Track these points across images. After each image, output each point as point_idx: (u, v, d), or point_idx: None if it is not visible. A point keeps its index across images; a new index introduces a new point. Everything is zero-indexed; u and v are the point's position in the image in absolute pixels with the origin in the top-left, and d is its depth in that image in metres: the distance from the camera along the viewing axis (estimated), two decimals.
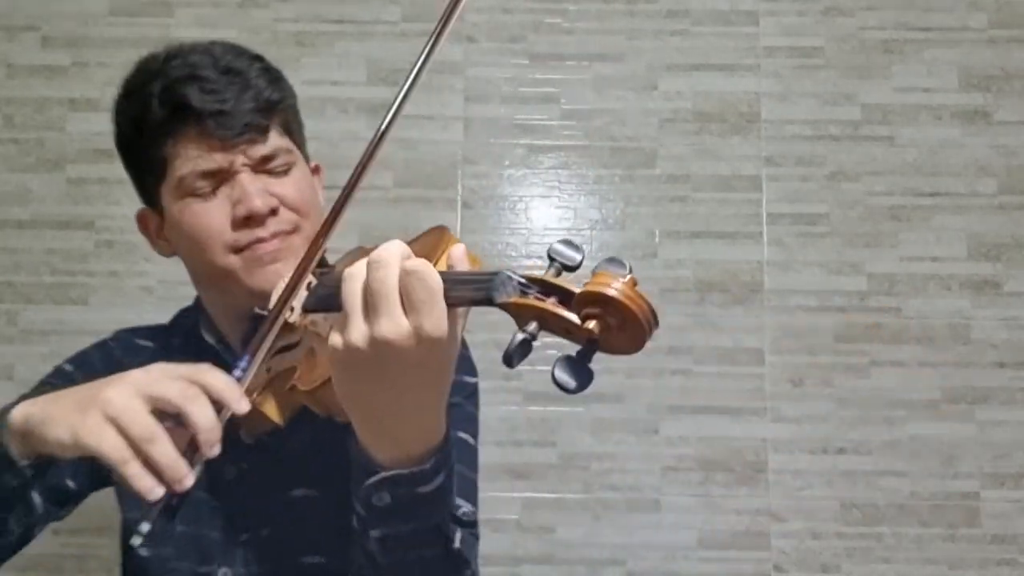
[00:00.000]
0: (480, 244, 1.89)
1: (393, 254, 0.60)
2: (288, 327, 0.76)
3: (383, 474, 0.66)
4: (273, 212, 0.89)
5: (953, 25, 1.95)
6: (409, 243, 0.66)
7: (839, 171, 1.91)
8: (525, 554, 1.78)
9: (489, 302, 0.60)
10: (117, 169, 1.90)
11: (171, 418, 0.64)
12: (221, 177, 0.88)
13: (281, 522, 0.90)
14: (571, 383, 0.57)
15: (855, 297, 1.88)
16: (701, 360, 1.85)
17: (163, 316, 1.90)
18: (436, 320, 0.59)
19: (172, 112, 0.86)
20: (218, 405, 0.66)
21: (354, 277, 0.61)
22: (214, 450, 0.65)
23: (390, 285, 0.59)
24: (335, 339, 0.61)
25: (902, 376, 1.85)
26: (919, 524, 1.81)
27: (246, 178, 0.88)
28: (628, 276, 0.62)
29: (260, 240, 0.88)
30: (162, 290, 1.88)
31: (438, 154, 1.91)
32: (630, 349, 0.60)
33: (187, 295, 1.92)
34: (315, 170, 1.04)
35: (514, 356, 0.57)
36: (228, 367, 0.74)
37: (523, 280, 0.63)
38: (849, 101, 1.93)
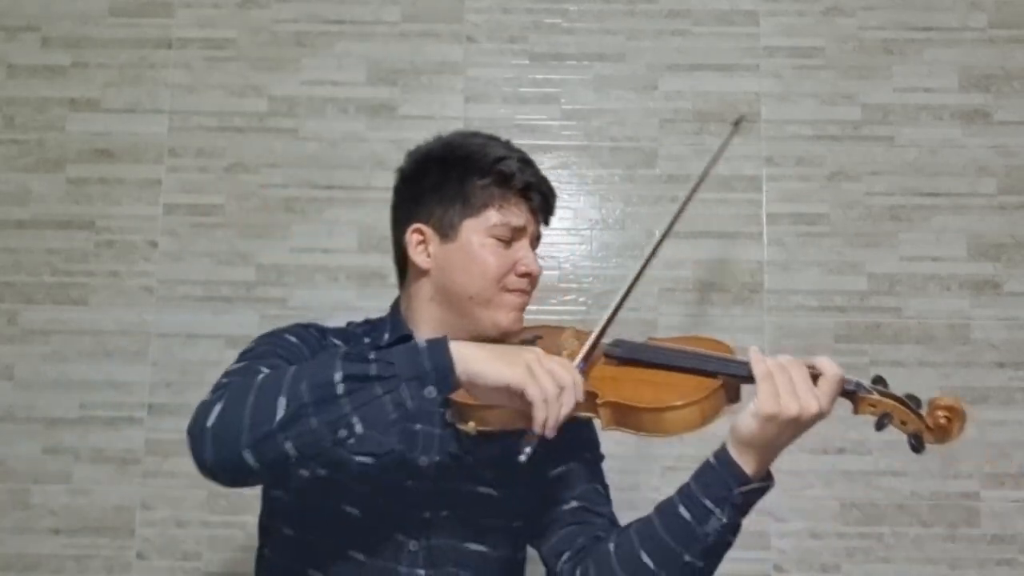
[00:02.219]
0: None
1: (800, 363, 1.01)
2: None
3: (756, 484, 1.03)
4: (536, 278, 1.20)
5: (953, 25, 1.95)
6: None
7: (839, 171, 1.91)
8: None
9: (850, 396, 1.04)
10: (117, 169, 1.92)
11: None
12: (518, 234, 1.17)
13: (461, 510, 1.11)
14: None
15: (855, 297, 1.88)
16: None
17: (163, 316, 1.91)
18: (831, 405, 1.01)
19: (524, 184, 1.17)
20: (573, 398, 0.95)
21: (785, 370, 1.00)
22: (554, 432, 0.94)
23: (807, 381, 1.00)
24: (772, 405, 0.97)
25: (902, 376, 1.85)
26: (919, 524, 1.81)
27: (528, 245, 1.19)
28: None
29: (523, 291, 1.18)
30: (162, 290, 1.88)
31: None
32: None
33: (187, 295, 1.93)
34: None
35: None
36: None
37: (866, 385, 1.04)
38: (849, 101, 1.93)
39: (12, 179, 1.91)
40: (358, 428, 0.90)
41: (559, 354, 1.07)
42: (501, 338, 1.15)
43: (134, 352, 1.86)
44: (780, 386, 0.97)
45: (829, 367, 1.00)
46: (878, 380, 1.04)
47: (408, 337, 1.16)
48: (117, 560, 1.80)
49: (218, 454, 0.91)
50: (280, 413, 0.89)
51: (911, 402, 1.01)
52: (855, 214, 1.90)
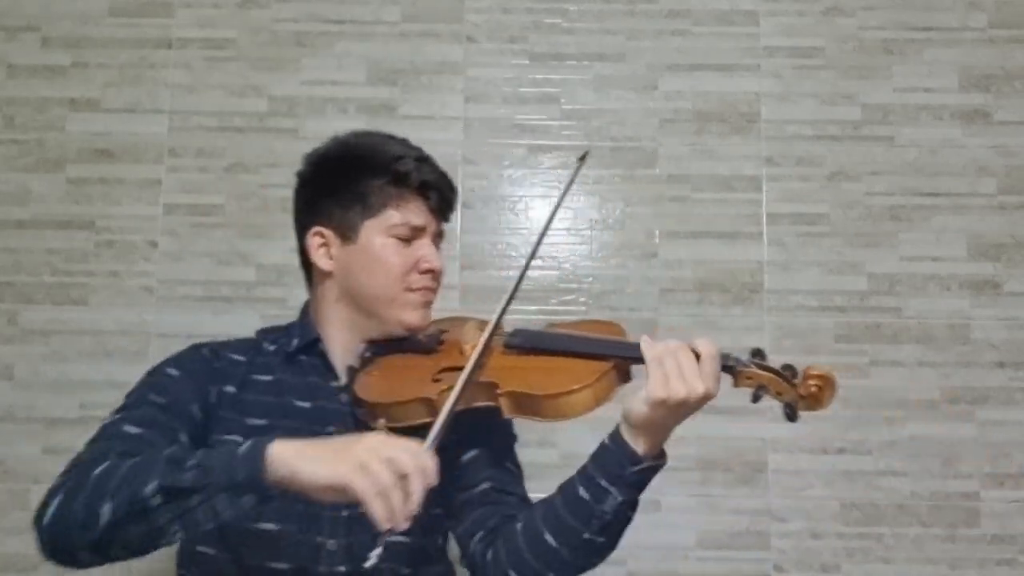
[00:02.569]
0: (480, 244, 1.90)
1: (686, 347, 1.02)
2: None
3: (648, 463, 1.04)
4: (439, 274, 1.22)
5: (953, 25, 1.95)
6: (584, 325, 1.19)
7: (839, 171, 1.91)
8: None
9: (729, 370, 1.06)
10: (117, 169, 1.92)
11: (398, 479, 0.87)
12: (418, 232, 1.19)
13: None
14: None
15: (855, 297, 1.88)
16: None
17: (163, 316, 1.91)
18: (716, 384, 1.03)
19: (420, 182, 1.19)
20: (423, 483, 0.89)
21: (672, 355, 1.02)
22: (406, 523, 0.88)
23: (692, 365, 1.01)
24: (661, 390, 1.00)
25: (902, 376, 1.85)
26: (919, 524, 1.81)
27: (430, 243, 1.21)
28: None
29: (427, 288, 1.20)
30: (162, 290, 1.88)
31: (438, 154, 1.87)
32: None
33: (187, 295, 1.93)
34: None
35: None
36: (330, 385, 1.16)
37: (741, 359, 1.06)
38: (849, 101, 1.93)
39: (12, 179, 1.91)
40: (179, 536, 0.92)
41: (463, 346, 1.15)
42: (409, 334, 1.19)
43: (134, 352, 1.86)
44: (669, 371, 1.00)
45: (706, 347, 1.02)
46: (756, 353, 1.06)
47: (316, 340, 1.19)
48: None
49: (55, 555, 0.94)
50: (104, 519, 0.90)
51: (786, 372, 1.04)
52: (855, 214, 1.90)
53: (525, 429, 1.28)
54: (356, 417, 1.12)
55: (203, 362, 1.15)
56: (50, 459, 1.82)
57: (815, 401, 1.03)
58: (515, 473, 1.24)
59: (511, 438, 1.28)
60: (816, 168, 1.91)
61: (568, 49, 1.96)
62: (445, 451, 0.96)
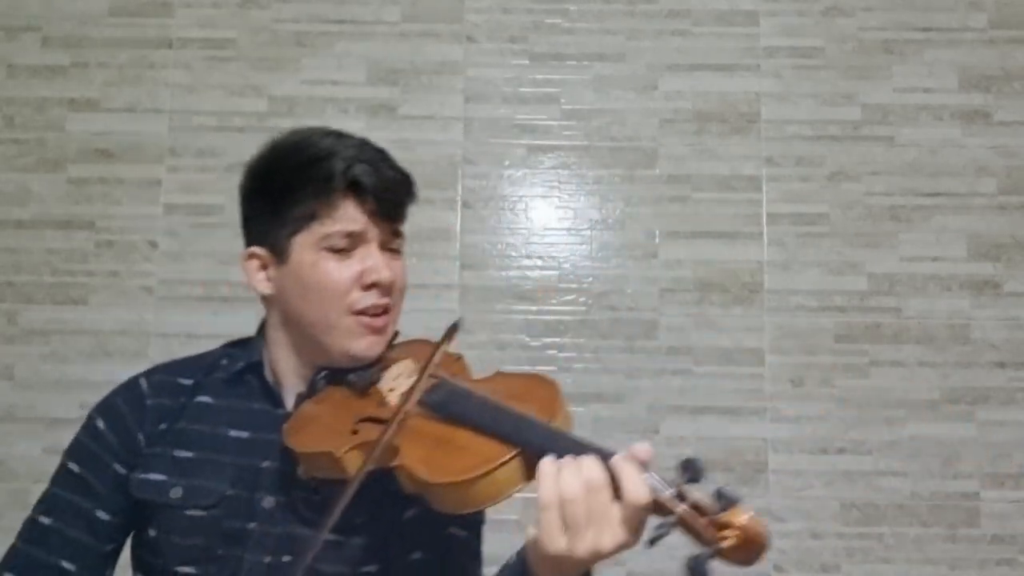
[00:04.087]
0: (480, 244, 1.90)
1: (601, 485, 0.77)
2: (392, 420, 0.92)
3: None
4: (390, 286, 1.02)
5: (953, 25, 1.95)
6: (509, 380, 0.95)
7: (839, 171, 1.91)
8: None
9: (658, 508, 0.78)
10: (117, 169, 1.92)
11: None
12: (357, 240, 1.01)
13: (304, 555, 0.93)
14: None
15: (855, 297, 1.88)
16: (701, 360, 1.85)
17: (163, 316, 1.91)
18: (639, 533, 0.78)
19: (348, 184, 1.00)
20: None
21: (574, 502, 0.77)
22: None
23: (605, 513, 0.77)
24: (559, 541, 0.77)
25: (902, 376, 1.85)
26: (919, 524, 1.81)
27: (375, 250, 1.01)
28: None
29: (376, 307, 1.00)
30: (162, 290, 1.88)
31: (438, 154, 1.91)
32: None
33: (187, 295, 1.93)
34: None
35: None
36: (276, 412, 1.02)
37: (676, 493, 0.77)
38: (849, 101, 1.93)
39: (12, 179, 1.91)
40: None
41: (383, 393, 0.98)
42: (357, 366, 1.02)
43: (134, 352, 1.86)
44: (568, 521, 0.77)
45: (634, 487, 0.76)
46: (687, 466, 0.75)
47: (257, 364, 1.07)
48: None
49: None
50: None
51: (711, 507, 0.75)
52: (855, 214, 1.90)
53: None
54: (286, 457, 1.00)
55: (118, 423, 1.06)
56: (50, 459, 1.81)
57: (737, 556, 0.74)
58: (460, 540, 1.05)
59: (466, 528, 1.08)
60: (816, 168, 1.91)
61: (568, 49, 1.96)
62: (388, 505, 0.91)
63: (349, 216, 1.00)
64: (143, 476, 1.02)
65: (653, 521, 0.76)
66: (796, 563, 1.80)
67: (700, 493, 0.75)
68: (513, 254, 1.90)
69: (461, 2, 1.97)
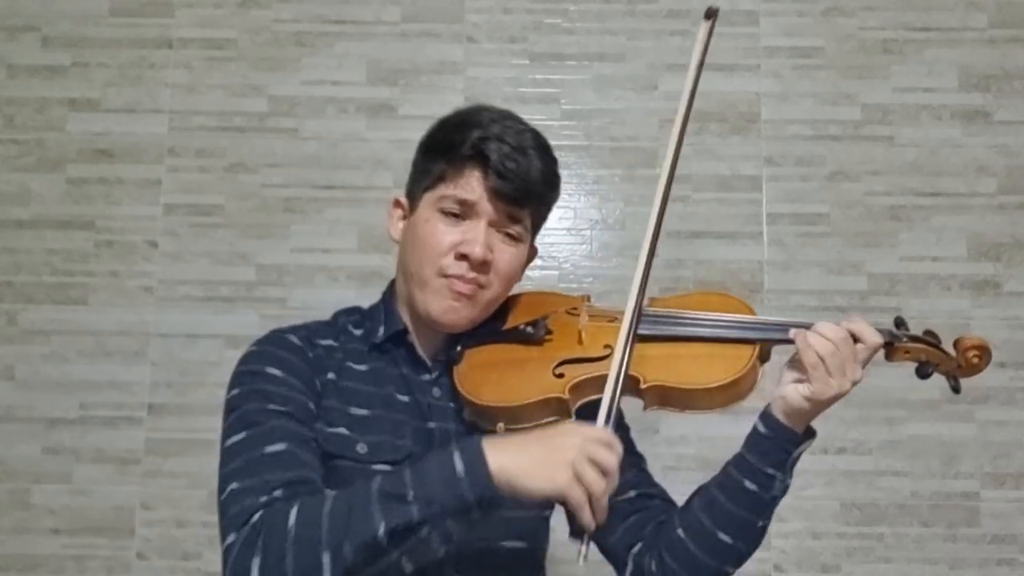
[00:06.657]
0: None
1: (845, 337, 1.03)
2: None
3: (807, 441, 1.08)
4: (484, 264, 1.06)
5: (953, 25, 1.95)
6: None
7: (839, 171, 1.91)
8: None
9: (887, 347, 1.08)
10: (117, 169, 1.92)
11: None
12: (469, 211, 1.07)
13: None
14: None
15: (855, 297, 1.88)
16: None
17: (163, 316, 1.91)
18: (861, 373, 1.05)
19: (476, 155, 1.06)
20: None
21: (835, 354, 1.02)
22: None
23: (854, 355, 1.04)
24: (831, 384, 1.02)
25: (902, 376, 1.84)
26: (919, 524, 1.81)
27: (483, 226, 1.06)
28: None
29: (460, 277, 1.05)
30: (162, 290, 1.88)
31: None
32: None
33: (187, 295, 1.93)
34: (532, 253, 1.19)
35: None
36: (421, 379, 1.09)
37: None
38: (849, 101, 1.93)
39: (12, 179, 1.91)
40: (408, 568, 0.91)
41: (580, 333, 1.06)
42: (438, 328, 1.08)
43: (134, 352, 1.86)
44: (832, 370, 1.01)
45: (870, 336, 1.04)
46: (900, 323, 1.09)
47: (404, 332, 1.11)
48: (117, 560, 1.80)
49: None
50: (326, 571, 0.87)
51: (934, 340, 1.08)
52: (855, 214, 1.90)
53: None
54: (457, 413, 1.06)
55: (300, 356, 1.07)
56: (50, 459, 1.83)
57: (975, 371, 1.08)
58: (648, 471, 1.20)
59: (627, 430, 1.22)
60: (816, 168, 1.91)
61: (568, 49, 1.96)
62: None
63: (469, 186, 1.06)
64: (329, 430, 1.03)
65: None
66: (796, 563, 1.80)
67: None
68: None
69: (461, 2, 1.97)
